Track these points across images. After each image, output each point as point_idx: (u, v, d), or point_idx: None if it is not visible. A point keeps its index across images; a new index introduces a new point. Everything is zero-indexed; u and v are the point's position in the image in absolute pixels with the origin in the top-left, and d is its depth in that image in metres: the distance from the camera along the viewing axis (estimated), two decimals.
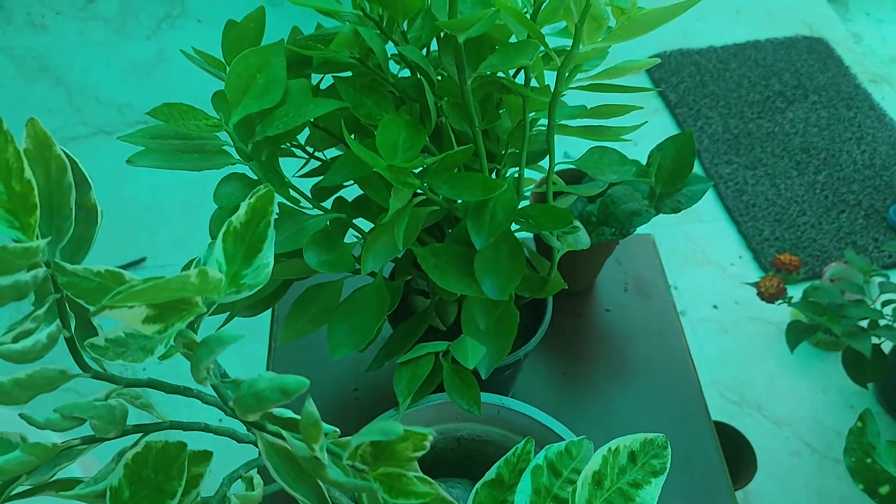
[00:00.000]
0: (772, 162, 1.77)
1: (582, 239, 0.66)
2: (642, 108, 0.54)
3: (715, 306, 1.54)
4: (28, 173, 0.31)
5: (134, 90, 1.90)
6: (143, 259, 1.57)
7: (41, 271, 0.32)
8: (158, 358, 0.38)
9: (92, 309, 0.35)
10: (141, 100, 1.88)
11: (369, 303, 0.60)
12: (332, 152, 0.67)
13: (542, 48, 0.51)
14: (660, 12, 0.50)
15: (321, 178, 0.68)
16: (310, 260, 0.55)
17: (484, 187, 0.51)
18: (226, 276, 0.35)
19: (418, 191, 0.55)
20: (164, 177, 1.72)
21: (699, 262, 1.61)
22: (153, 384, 0.39)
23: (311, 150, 0.66)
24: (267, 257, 0.36)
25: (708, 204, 1.71)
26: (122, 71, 1.94)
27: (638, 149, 1.97)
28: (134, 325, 0.33)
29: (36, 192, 0.31)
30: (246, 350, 1.45)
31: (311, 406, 0.32)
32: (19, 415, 0.36)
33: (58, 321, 0.35)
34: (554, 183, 0.63)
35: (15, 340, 0.32)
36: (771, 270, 1.57)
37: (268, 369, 0.83)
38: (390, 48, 0.60)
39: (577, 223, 0.68)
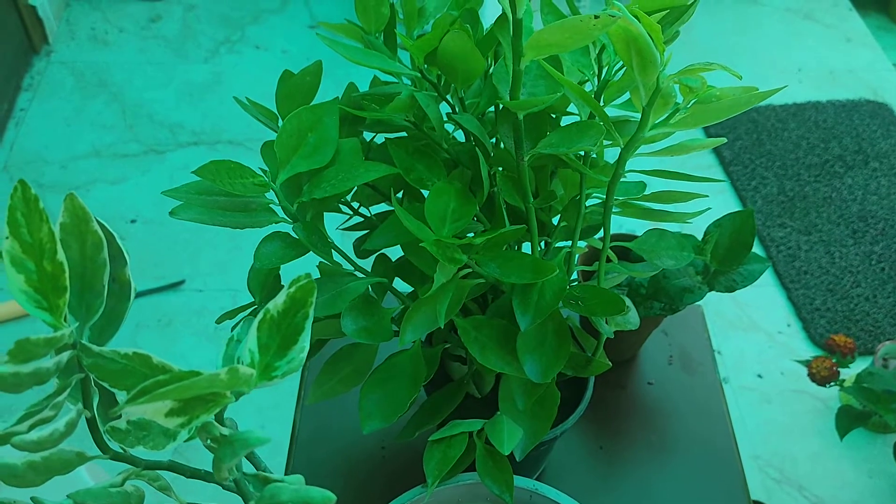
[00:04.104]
0: (827, 228, 1.72)
1: (632, 319, 0.63)
2: (707, 196, 0.51)
3: (759, 375, 1.49)
4: (60, 255, 0.29)
5: (187, 111, 1.92)
6: (181, 281, 1.58)
7: (66, 355, 0.31)
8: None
9: (116, 392, 0.33)
10: (193, 121, 1.90)
11: (403, 373, 0.58)
12: (378, 207, 0.65)
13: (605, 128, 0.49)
14: (732, 101, 0.47)
15: (365, 232, 0.66)
16: (346, 327, 0.53)
17: (534, 270, 0.48)
18: (258, 366, 0.33)
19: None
20: None
21: (745, 327, 1.56)
22: (173, 467, 0.38)
23: (356, 205, 0.64)
24: (302, 347, 0.34)
25: None
26: (178, 91, 1.97)
27: (688, 206, 1.92)
28: (155, 418, 0.31)
29: (67, 274, 0.29)
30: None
31: None
32: (31, 498, 0.34)
33: (79, 404, 0.33)
34: (608, 260, 0.61)
35: (31, 428, 0.30)
36: (821, 349, 1.51)
37: (295, 417, 0.81)
38: (444, 107, 0.58)
39: (627, 302, 0.65)
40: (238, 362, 0.34)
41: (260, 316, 0.34)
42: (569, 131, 0.47)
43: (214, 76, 2.01)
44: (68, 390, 0.32)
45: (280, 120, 0.62)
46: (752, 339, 1.54)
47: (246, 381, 0.31)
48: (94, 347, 0.32)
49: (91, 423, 0.35)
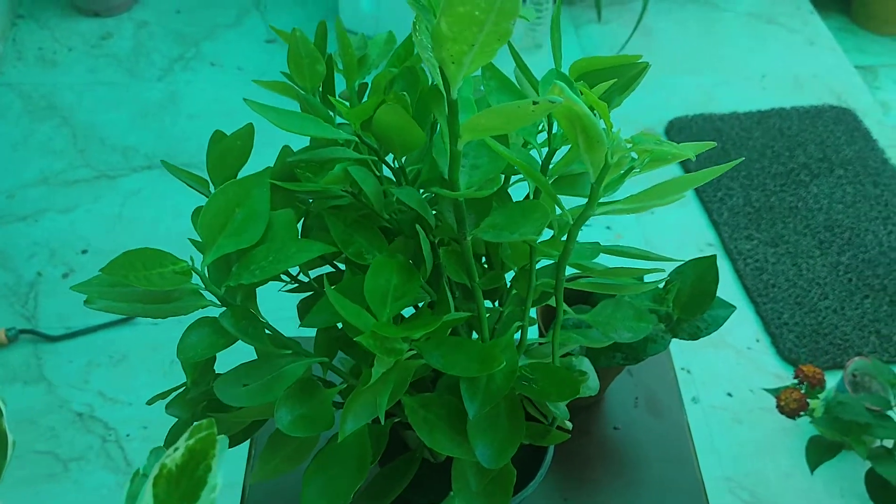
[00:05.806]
0: (794, 239, 1.71)
1: (591, 384, 0.60)
2: (664, 270, 0.48)
3: (729, 394, 1.47)
4: None
5: (140, 133, 1.86)
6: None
7: None
8: None
9: None
10: (147, 144, 1.84)
11: (349, 455, 0.54)
12: (320, 269, 0.62)
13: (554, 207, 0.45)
14: (684, 179, 0.44)
15: (307, 294, 0.62)
16: (281, 420, 0.49)
17: (480, 361, 0.45)
18: None
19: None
20: (164, 227, 1.67)
21: (713, 343, 1.54)
22: None
23: (295, 270, 0.60)
24: (209, 502, 0.30)
25: (726, 281, 1.64)
26: (130, 112, 1.90)
27: (653, 214, 1.89)
28: None
29: None
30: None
31: None
32: None
33: None
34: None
35: None
36: (791, 364, 1.50)
37: (244, 487, 0.77)
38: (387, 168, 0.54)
39: (585, 364, 0.62)
40: None
41: (155, 471, 0.30)
42: (513, 212, 0.44)
43: (168, 95, 1.95)
44: None
45: (211, 185, 0.58)
46: (722, 356, 1.52)
47: None
48: None
49: None
